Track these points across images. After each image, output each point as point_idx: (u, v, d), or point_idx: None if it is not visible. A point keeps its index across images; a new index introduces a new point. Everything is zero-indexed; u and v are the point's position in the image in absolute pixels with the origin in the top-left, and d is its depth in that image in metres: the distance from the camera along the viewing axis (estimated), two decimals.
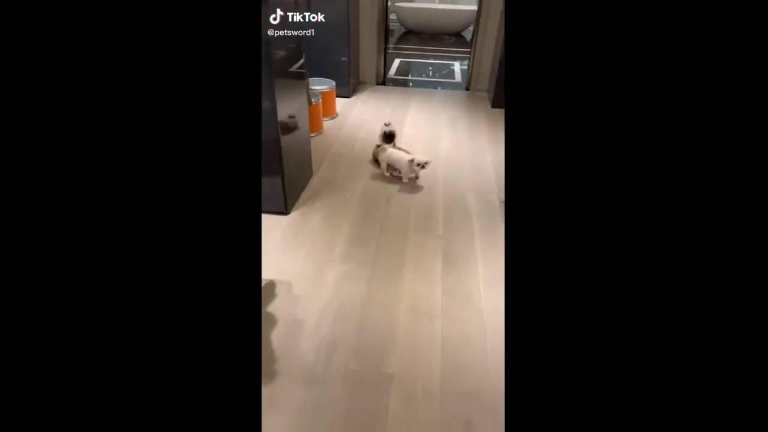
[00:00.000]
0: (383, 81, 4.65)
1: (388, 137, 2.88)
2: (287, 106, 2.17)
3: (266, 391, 1.42)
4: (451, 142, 3.30)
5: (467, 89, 4.47)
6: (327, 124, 3.47)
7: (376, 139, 3.05)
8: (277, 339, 1.61)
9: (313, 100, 3.10)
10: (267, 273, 1.91)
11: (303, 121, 2.48)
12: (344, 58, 3.90)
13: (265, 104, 2.00)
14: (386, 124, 3.06)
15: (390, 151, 2.68)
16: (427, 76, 5.22)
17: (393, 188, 2.61)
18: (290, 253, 2.07)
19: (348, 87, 4.00)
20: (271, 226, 2.23)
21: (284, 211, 2.31)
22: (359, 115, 3.72)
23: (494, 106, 3.89)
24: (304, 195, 2.52)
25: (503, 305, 0.76)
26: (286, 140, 2.17)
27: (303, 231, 2.23)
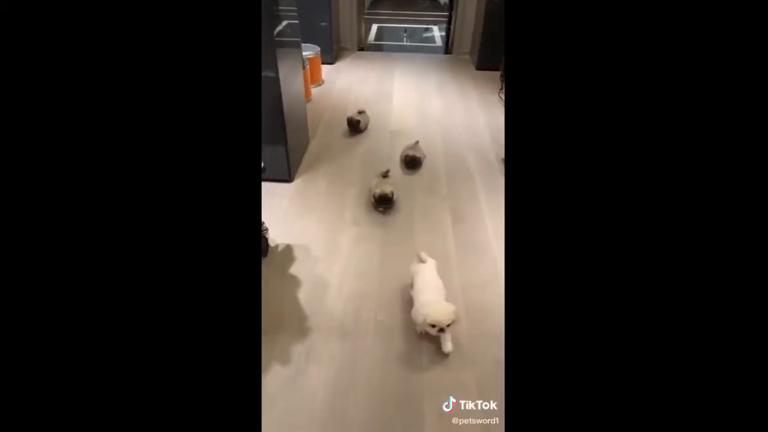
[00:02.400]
0: (363, 47, 4.57)
1: (411, 162, 2.47)
2: (287, 72, 2.13)
3: (303, 347, 1.48)
4: (442, 105, 3.33)
5: (449, 53, 4.46)
6: (315, 91, 3.41)
7: (367, 103, 3.03)
8: (304, 298, 1.66)
9: None
10: (283, 238, 1.93)
11: (300, 87, 2.44)
12: (324, 23, 3.79)
13: (268, 71, 1.96)
14: (360, 112, 2.82)
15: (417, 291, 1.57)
16: (407, 40, 5.15)
17: (395, 152, 2.63)
18: (302, 218, 2.08)
19: (331, 53, 3.92)
20: (278, 193, 2.23)
21: (288, 178, 2.31)
22: (345, 82, 3.67)
23: (479, 68, 3.92)
24: (304, 162, 2.51)
25: None
26: (287, 107, 2.14)
27: (310, 196, 2.24)
